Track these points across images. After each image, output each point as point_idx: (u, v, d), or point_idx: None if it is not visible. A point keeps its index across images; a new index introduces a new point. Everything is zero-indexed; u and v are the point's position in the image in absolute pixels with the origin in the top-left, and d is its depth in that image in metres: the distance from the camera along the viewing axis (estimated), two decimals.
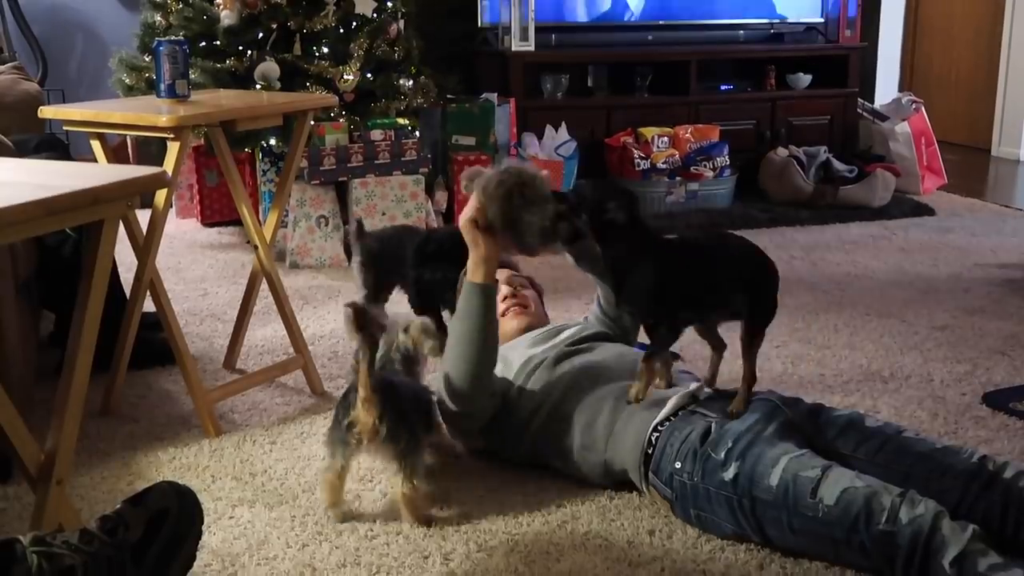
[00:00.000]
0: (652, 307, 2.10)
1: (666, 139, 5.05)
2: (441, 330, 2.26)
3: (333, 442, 2.06)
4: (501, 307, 2.55)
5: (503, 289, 2.60)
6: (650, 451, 2.05)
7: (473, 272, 2.16)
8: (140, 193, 1.81)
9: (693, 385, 2.17)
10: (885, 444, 1.97)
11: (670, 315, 2.11)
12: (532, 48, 5.13)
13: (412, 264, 3.02)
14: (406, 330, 2.19)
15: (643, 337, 2.27)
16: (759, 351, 2.14)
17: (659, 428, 2.07)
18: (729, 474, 1.92)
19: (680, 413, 2.09)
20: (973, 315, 3.43)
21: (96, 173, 1.81)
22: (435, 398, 2.26)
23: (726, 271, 2.10)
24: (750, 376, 2.10)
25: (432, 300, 2.73)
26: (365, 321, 1.99)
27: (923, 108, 5.64)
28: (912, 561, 1.72)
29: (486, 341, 2.17)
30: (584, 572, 1.88)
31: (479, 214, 2.11)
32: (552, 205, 2.04)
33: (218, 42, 4.11)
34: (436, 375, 2.31)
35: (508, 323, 2.54)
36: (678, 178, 4.97)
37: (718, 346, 2.23)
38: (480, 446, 2.36)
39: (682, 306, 2.10)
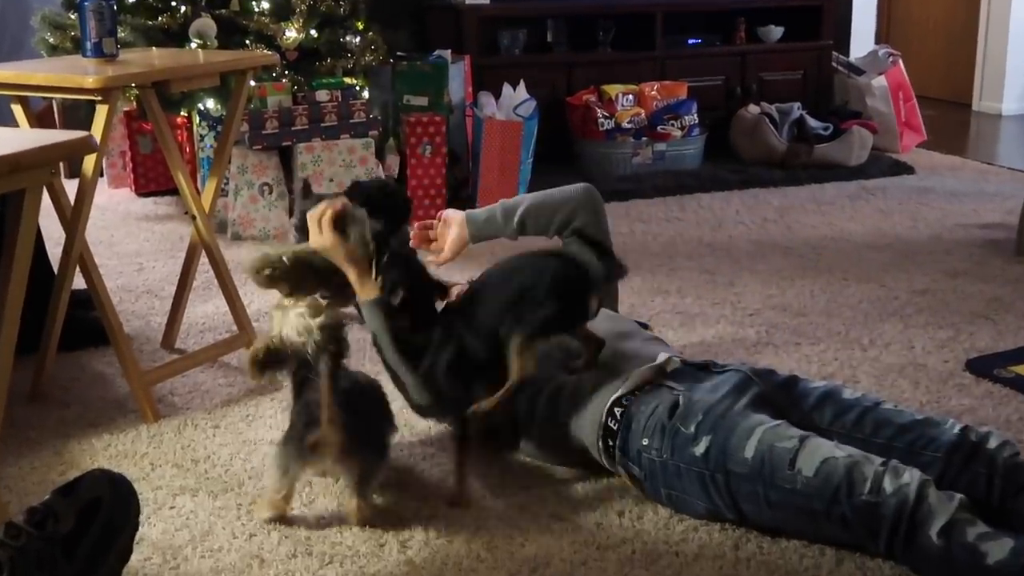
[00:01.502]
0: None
1: (631, 97, 5.03)
2: None
3: (287, 455, 1.98)
4: None
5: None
6: (615, 427, 2.04)
7: (360, 291, 2.17)
8: (64, 159, 1.79)
9: (662, 357, 2.15)
10: (863, 416, 1.98)
11: None
12: (487, 1, 5.09)
13: None
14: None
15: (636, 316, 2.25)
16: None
17: (623, 403, 2.05)
18: (700, 448, 1.92)
19: (646, 387, 2.07)
20: (955, 278, 3.47)
21: (15, 138, 1.79)
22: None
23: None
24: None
25: None
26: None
27: (901, 61, 5.66)
28: (897, 532, 1.73)
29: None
30: (550, 557, 1.88)
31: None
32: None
33: None
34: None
35: None
36: (644, 138, 4.96)
37: None
38: None
39: None
